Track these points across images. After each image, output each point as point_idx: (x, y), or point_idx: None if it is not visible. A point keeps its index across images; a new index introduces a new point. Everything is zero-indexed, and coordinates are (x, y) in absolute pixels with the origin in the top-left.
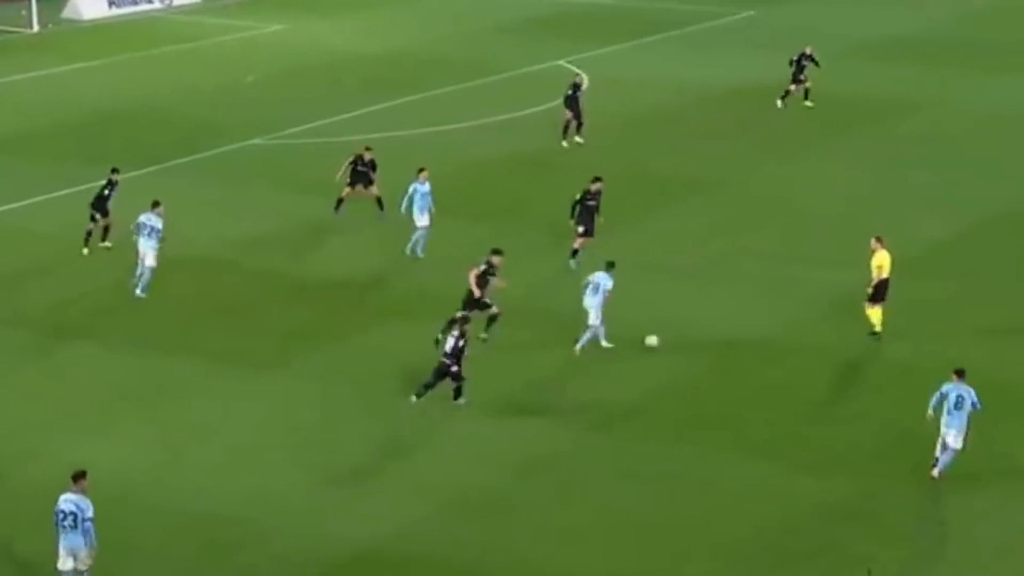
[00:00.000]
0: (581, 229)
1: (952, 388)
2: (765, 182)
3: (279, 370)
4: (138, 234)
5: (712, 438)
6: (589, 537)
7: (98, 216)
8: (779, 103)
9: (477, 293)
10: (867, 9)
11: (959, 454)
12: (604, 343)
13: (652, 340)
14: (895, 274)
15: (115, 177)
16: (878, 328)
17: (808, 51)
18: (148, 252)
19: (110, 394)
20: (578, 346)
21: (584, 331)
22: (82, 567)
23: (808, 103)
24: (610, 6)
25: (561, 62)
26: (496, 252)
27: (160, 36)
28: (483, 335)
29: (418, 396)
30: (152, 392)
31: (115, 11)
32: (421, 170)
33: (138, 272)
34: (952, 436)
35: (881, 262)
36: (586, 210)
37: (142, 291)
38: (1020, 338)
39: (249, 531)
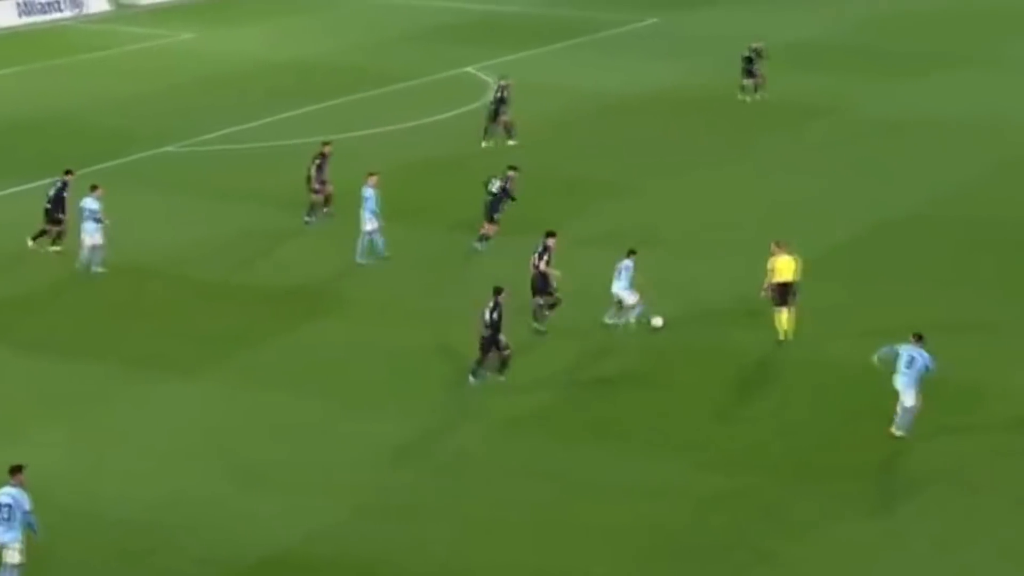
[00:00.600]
0: (496, 216)
1: (906, 348)
2: (674, 186)
3: (197, 375)
4: (81, 218)
5: (623, 437)
6: (502, 537)
7: (61, 217)
8: (740, 96)
9: (553, 274)
10: (768, 16)
11: (916, 411)
12: (614, 320)
13: (657, 321)
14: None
15: (68, 178)
16: (782, 337)
17: (755, 46)
18: (93, 234)
19: (29, 398)
20: (632, 321)
21: (627, 312)
22: (11, 561)
23: (763, 94)
24: (517, 13)
25: (470, 68)
26: (550, 234)
27: (71, 44)
28: (537, 325)
29: (475, 376)
30: (71, 397)
31: (25, 19)
32: (371, 175)
33: (84, 255)
34: (908, 395)
35: (776, 266)
36: (500, 200)
37: (97, 266)
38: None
39: (166, 536)
